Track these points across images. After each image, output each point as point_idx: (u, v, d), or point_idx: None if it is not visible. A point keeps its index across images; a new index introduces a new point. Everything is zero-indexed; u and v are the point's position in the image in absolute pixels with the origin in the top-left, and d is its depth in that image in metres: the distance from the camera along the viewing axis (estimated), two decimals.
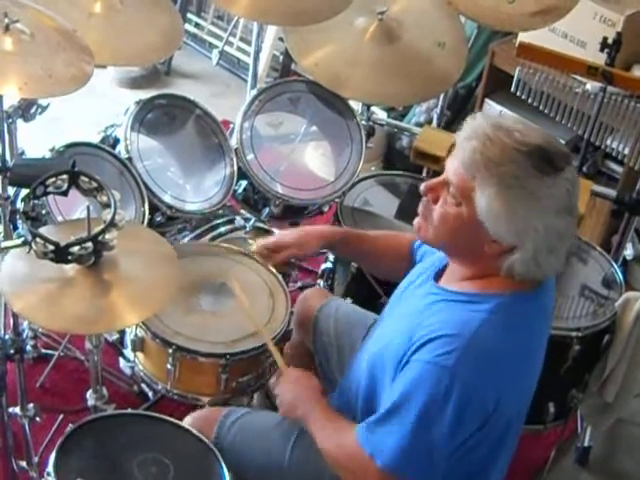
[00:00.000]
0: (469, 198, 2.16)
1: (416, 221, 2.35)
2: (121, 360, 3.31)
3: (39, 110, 3.03)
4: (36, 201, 2.45)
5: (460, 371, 2.14)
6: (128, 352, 3.03)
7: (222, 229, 3.35)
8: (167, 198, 3.26)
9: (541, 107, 4.04)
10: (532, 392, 2.43)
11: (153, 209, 3.22)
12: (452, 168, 2.20)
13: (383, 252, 2.91)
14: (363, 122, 3.68)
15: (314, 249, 2.94)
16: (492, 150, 2.12)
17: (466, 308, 2.23)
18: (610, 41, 3.60)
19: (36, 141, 3.16)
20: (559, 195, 2.15)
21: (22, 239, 2.38)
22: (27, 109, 2.98)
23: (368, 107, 3.80)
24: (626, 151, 4.03)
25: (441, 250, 2.41)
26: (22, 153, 3.14)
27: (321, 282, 3.53)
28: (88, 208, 2.38)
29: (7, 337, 2.80)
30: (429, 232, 2.31)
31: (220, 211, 3.41)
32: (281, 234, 3.09)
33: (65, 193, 2.46)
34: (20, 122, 3.01)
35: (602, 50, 3.62)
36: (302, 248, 2.92)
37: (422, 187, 2.30)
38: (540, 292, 2.31)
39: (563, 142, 4.23)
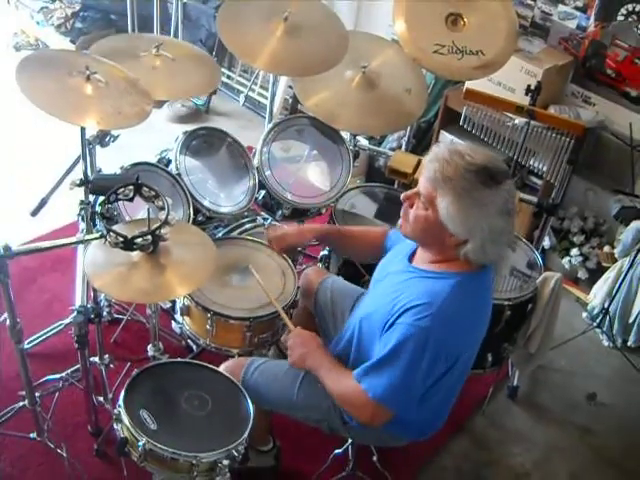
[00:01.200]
0: (433, 204, 2.23)
1: (399, 221, 2.41)
2: (173, 322, 3.31)
3: (112, 139, 3.03)
4: (110, 205, 2.45)
5: (434, 330, 2.22)
6: (178, 316, 3.03)
7: (247, 226, 3.35)
8: (206, 203, 3.24)
9: (482, 136, 4.03)
10: (479, 343, 2.46)
11: (196, 211, 3.21)
12: (421, 182, 2.28)
13: (359, 243, 2.95)
14: (351, 147, 3.66)
15: (307, 240, 3.06)
16: (448, 170, 2.19)
17: (435, 282, 2.30)
18: (532, 87, 3.60)
19: (110, 162, 3.14)
20: (499, 202, 2.20)
21: (100, 233, 2.38)
22: (103, 138, 2.98)
23: (354, 136, 3.78)
24: (544, 168, 4.02)
25: (416, 241, 2.45)
26: (99, 170, 3.13)
27: (320, 265, 3.53)
28: (148, 210, 2.39)
29: (89, 305, 2.78)
30: (407, 229, 2.38)
31: (246, 213, 3.40)
32: (284, 227, 3.15)
33: (131, 199, 2.46)
34: (98, 147, 3.01)
35: (526, 94, 3.62)
36: (299, 237, 3.02)
37: (402, 196, 2.37)
38: (486, 272, 2.37)
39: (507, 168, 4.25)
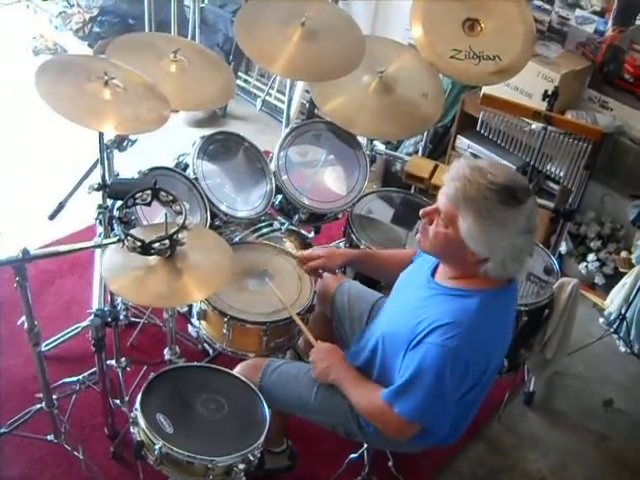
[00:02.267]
0: (454, 223, 2.22)
1: (417, 236, 2.41)
2: (189, 326, 3.32)
3: (130, 143, 3.05)
4: (127, 210, 2.45)
5: (461, 350, 2.22)
6: (195, 320, 3.03)
7: (264, 230, 3.34)
8: (223, 207, 3.25)
9: (499, 141, 4.02)
10: (504, 356, 2.51)
11: (213, 215, 3.21)
12: (442, 200, 2.26)
13: (390, 266, 2.90)
14: (367, 152, 3.66)
15: (338, 265, 3.02)
16: (470, 189, 2.17)
17: (460, 301, 2.29)
18: (550, 93, 3.58)
19: (127, 166, 3.16)
20: (521, 221, 2.19)
21: (117, 237, 2.39)
22: (121, 143, 3.00)
23: (371, 141, 3.79)
24: (561, 174, 4.01)
25: (435, 257, 2.44)
26: (117, 175, 3.15)
27: (337, 270, 3.53)
28: (166, 215, 2.40)
29: (106, 309, 2.80)
30: (426, 245, 2.36)
31: (262, 217, 3.40)
32: (315, 248, 3.14)
33: (149, 204, 2.47)
34: (116, 152, 3.02)
35: (544, 99, 3.60)
36: (329, 261, 2.98)
37: (421, 212, 2.35)
38: (510, 287, 2.37)
39: (514, 168, 4.24)
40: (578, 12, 4.28)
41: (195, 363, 2.79)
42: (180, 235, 2.34)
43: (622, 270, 4.25)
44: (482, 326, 2.25)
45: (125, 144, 3.03)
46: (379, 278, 3.14)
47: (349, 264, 3.09)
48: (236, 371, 2.74)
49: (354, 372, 2.55)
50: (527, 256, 2.30)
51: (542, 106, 3.59)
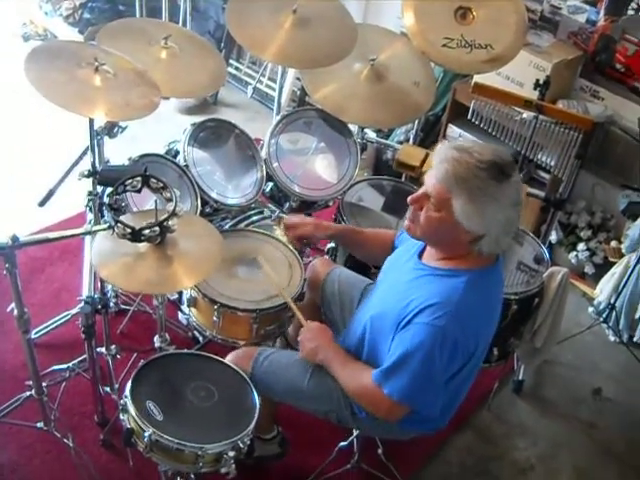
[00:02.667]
0: (448, 206, 2.22)
1: (405, 224, 2.41)
2: (179, 313, 3.32)
3: (120, 130, 3.04)
4: (118, 196, 2.45)
5: (450, 329, 2.23)
6: (185, 307, 3.03)
7: (254, 218, 3.34)
8: (214, 195, 3.25)
9: (490, 130, 4.02)
10: (492, 336, 2.49)
11: (204, 203, 3.21)
12: (431, 184, 2.26)
13: (371, 244, 2.93)
14: (358, 140, 3.66)
15: (322, 236, 3.02)
16: (460, 170, 2.18)
17: (448, 280, 2.30)
18: (541, 82, 3.59)
19: (118, 153, 3.15)
20: (511, 194, 2.21)
21: (107, 224, 2.38)
22: (111, 129, 2.99)
23: (362, 129, 3.78)
24: (552, 163, 4.02)
25: (425, 241, 2.45)
26: (108, 161, 3.14)
27: (327, 257, 3.53)
28: (156, 202, 2.39)
29: (96, 296, 2.79)
30: (417, 231, 2.36)
31: (253, 205, 3.40)
32: (302, 217, 3.12)
33: (139, 191, 2.47)
34: (106, 139, 3.01)
35: (535, 88, 3.61)
36: (315, 230, 2.98)
37: (409, 199, 2.34)
38: (496, 266, 2.39)
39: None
40: (570, 1, 4.27)
41: (185, 350, 2.79)
42: (170, 222, 2.34)
43: (612, 260, 4.26)
44: (470, 305, 2.26)
45: (115, 131, 3.02)
46: (360, 255, 3.12)
47: (333, 237, 3.09)
48: (227, 360, 2.74)
49: (343, 353, 2.55)
50: (515, 228, 2.32)
51: (533, 95, 3.61)
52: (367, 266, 3.21)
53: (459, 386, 2.46)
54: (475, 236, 2.25)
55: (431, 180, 2.25)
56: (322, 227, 3.01)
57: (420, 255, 2.48)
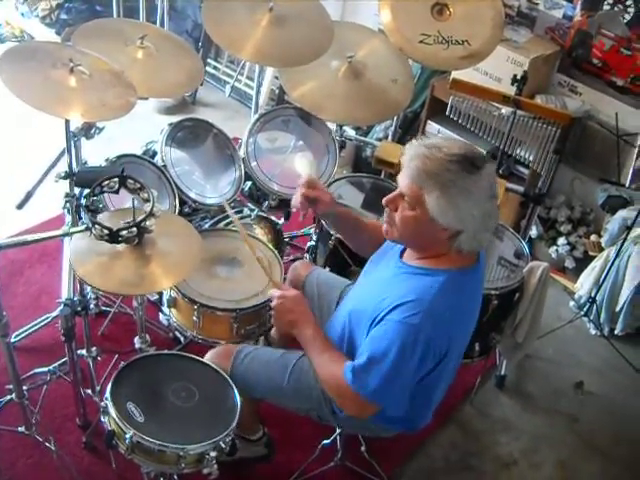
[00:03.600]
0: (421, 202, 2.20)
1: (384, 228, 2.38)
2: (160, 314, 3.31)
3: (97, 131, 3.02)
4: (95, 198, 2.44)
5: (423, 328, 2.20)
6: (165, 308, 3.03)
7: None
8: (192, 195, 3.25)
9: (468, 126, 4.04)
10: (469, 337, 2.48)
11: (182, 203, 3.22)
12: (403, 184, 2.25)
13: (368, 235, 2.84)
14: (337, 138, 3.66)
15: (328, 207, 2.76)
16: (430, 165, 2.17)
17: (425, 279, 2.28)
18: (519, 77, 3.60)
19: (96, 154, 3.14)
20: (485, 186, 2.20)
21: (85, 226, 2.37)
22: (88, 130, 2.97)
23: (341, 127, 3.79)
24: (531, 158, 4.04)
25: (404, 244, 2.43)
26: (85, 163, 3.13)
27: (307, 255, 3.54)
28: (133, 202, 2.38)
29: (75, 298, 2.78)
30: (395, 233, 2.34)
31: (232, 204, 3.40)
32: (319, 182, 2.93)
33: (116, 192, 2.46)
34: (83, 140, 3.00)
35: (513, 84, 3.63)
36: (324, 197, 2.74)
37: (383, 201, 2.33)
38: (476, 267, 2.37)
39: (484, 152, 4.26)
40: None
41: (165, 351, 2.78)
42: (148, 222, 2.33)
43: (592, 254, 4.28)
44: (445, 305, 2.24)
45: (93, 132, 3.00)
46: (352, 243, 3.02)
47: (333, 213, 2.86)
48: (207, 358, 2.74)
49: (321, 335, 2.48)
50: (493, 223, 2.29)
51: (511, 91, 3.62)
52: (346, 267, 3.22)
53: (438, 385, 2.46)
54: (452, 232, 2.23)
55: (404, 180, 2.24)
56: (333, 203, 2.82)
57: (402, 254, 2.47)
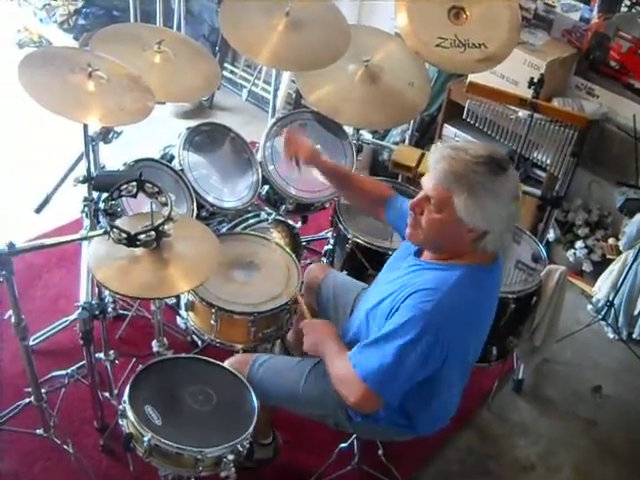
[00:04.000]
0: (449, 204, 2.20)
1: (407, 231, 2.38)
2: (177, 318, 3.32)
3: (115, 135, 3.03)
4: (113, 202, 2.44)
5: (436, 316, 2.20)
6: (182, 312, 3.03)
7: (251, 221, 3.35)
8: (210, 199, 3.25)
9: (485, 129, 4.02)
10: (484, 340, 2.46)
11: (200, 207, 3.22)
12: (429, 186, 2.25)
13: (362, 192, 2.88)
14: (354, 141, 3.67)
15: (309, 159, 2.89)
16: (458, 167, 2.18)
17: (443, 272, 2.29)
18: (536, 80, 3.59)
19: (114, 158, 3.16)
20: (511, 187, 2.21)
21: (103, 230, 2.38)
22: (106, 135, 2.99)
23: (357, 130, 3.79)
24: (548, 161, 4.02)
25: (428, 247, 2.41)
26: (103, 167, 3.14)
27: (324, 259, 3.54)
28: (151, 206, 2.39)
29: (93, 302, 2.79)
30: (420, 237, 2.35)
31: (249, 208, 3.41)
32: (306, 140, 3.00)
33: (134, 196, 2.46)
34: (101, 144, 3.01)
35: (530, 87, 3.61)
36: (311, 159, 2.88)
37: (409, 205, 2.33)
38: (494, 266, 2.37)
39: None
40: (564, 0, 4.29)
41: (183, 355, 2.79)
42: (166, 226, 2.34)
43: (610, 257, 4.26)
44: (461, 298, 2.25)
45: (111, 136, 3.02)
46: (349, 200, 3.12)
47: (325, 171, 2.93)
48: (225, 364, 2.74)
49: (341, 344, 2.51)
50: (515, 223, 2.32)
51: (528, 94, 3.60)
52: (363, 270, 3.22)
53: (452, 388, 2.46)
54: (479, 233, 2.23)
55: (429, 182, 2.24)
56: (317, 159, 2.90)
57: (417, 254, 2.47)
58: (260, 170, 3.44)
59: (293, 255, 3.15)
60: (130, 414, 2.42)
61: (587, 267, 4.38)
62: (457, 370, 2.41)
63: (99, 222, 2.91)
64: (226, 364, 2.75)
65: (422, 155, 3.54)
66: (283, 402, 2.79)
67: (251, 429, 2.47)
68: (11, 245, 2.34)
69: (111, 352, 3.17)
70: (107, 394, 3.20)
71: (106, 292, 3.24)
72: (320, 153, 2.96)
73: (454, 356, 2.30)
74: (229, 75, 5.86)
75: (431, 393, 2.41)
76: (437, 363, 2.28)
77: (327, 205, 3.61)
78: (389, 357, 2.24)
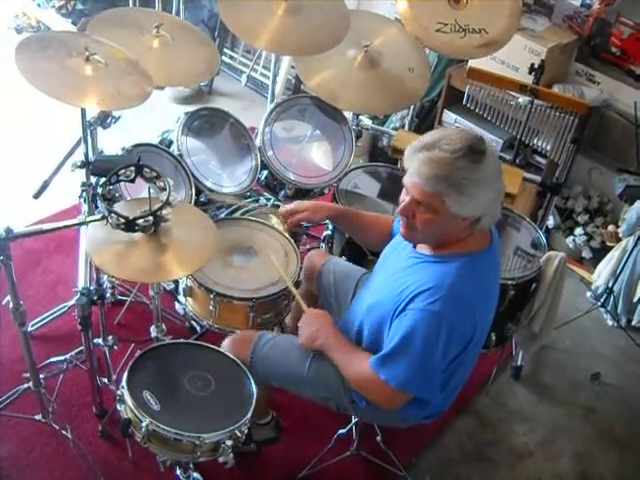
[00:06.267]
0: (440, 205, 2.20)
1: (403, 233, 2.38)
2: (176, 303, 3.31)
3: (113, 120, 3.01)
4: (111, 187, 2.43)
5: (444, 314, 2.21)
6: (181, 297, 3.03)
7: (250, 206, 3.34)
8: (209, 184, 3.24)
9: (485, 115, 4.02)
10: (491, 319, 2.48)
11: (198, 192, 3.21)
12: (416, 192, 2.23)
13: (370, 228, 2.89)
14: (353, 127, 3.65)
15: (322, 219, 2.98)
16: (439, 169, 2.16)
17: (441, 266, 2.29)
18: (536, 66, 3.58)
19: (112, 143, 3.14)
20: (493, 167, 2.21)
21: (101, 215, 2.37)
22: (104, 119, 2.96)
23: (357, 116, 3.77)
24: (548, 147, 4.01)
25: (427, 244, 2.40)
26: (101, 152, 3.13)
27: (323, 245, 3.54)
28: (149, 191, 2.38)
29: (92, 288, 2.79)
30: (418, 237, 2.37)
31: (248, 193, 3.40)
32: (299, 202, 3.02)
33: (133, 180, 2.46)
34: (100, 129, 3.00)
35: (530, 73, 3.61)
36: (314, 215, 2.93)
37: (399, 211, 2.32)
38: (491, 250, 2.38)
39: (501, 142, 4.26)
40: None
41: (181, 340, 2.79)
42: (164, 212, 2.33)
43: (609, 244, 4.26)
44: (464, 288, 2.25)
45: (109, 121, 3.00)
46: (358, 239, 3.10)
47: (332, 219, 3.02)
48: (225, 344, 2.75)
49: (344, 339, 2.54)
50: (504, 192, 2.32)
51: (529, 80, 3.60)
52: (363, 256, 3.21)
53: (462, 372, 2.46)
54: (473, 220, 2.25)
55: (415, 188, 2.22)
56: (320, 210, 2.95)
57: (415, 244, 2.47)
58: (259, 155, 3.44)
59: (292, 240, 3.15)
60: (128, 399, 2.42)
61: (587, 254, 4.38)
62: (472, 356, 2.44)
63: (97, 207, 2.90)
64: (226, 342, 2.76)
65: None
66: (287, 383, 2.78)
67: (249, 414, 2.47)
68: (9, 230, 2.33)
69: (109, 338, 3.17)
70: (105, 380, 3.21)
71: (105, 277, 3.24)
72: (320, 205, 3.01)
73: (470, 343, 2.32)
74: (228, 60, 5.85)
75: (448, 380, 2.42)
76: (457, 352, 2.31)
77: (326, 191, 3.61)
78: (416, 361, 2.27)
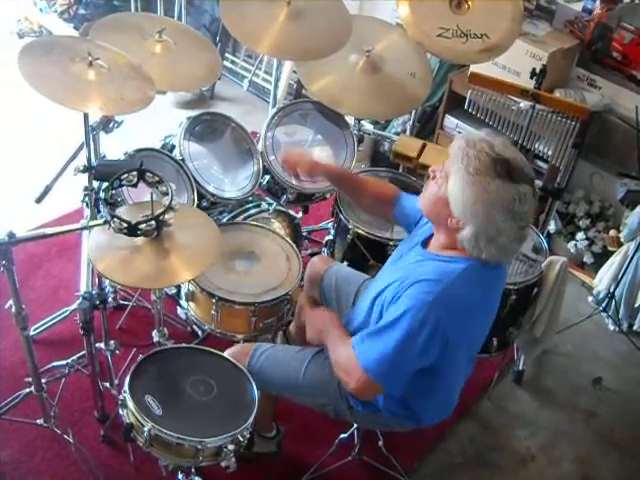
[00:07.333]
0: (447, 180, 2.22)
1: (422, 192, 2.42)
2: (178, 308, 3.31)
3: (116, 125, 3.02)
4: (113, 191, 2.43)
5: (435, 307, 2.19)
6: (183, 302, 3.03)
7: (252, 211, 3.36)
8: (211, 188, 3.25)
9: (487, 120, 4.01)
10: (486, 334, 2.47)
11: (200, 196, 3.21)
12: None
13: (368, 194, 2.88)
14: (355, 132, 3.66)
15: (321, 174, 2.95)
16: (470, 150, 2.17)
17: (447, 265, 2.28)
18: (537, 71, 3.58)
19: (114, 148, 3.15)
20: (506, 198, 2.14)
21: (104, 219, 2.37)
22: (107, 124, 2.97)
23: (359, 121, 3.77)
24: (549, 152, 4.00)
25: (426, 216, 2.45)
26: (104, 156, 3.13)
27: (325, 249, 3.54)
28: (152, 196, 2.38)
29: (94, 292, 2.79)
30: (422, 201, 2.39)
31: (250, 198, 3.41)
32: (303, 153, 3.09)
33: (135, 185, 2.46)
34: (102, 134, 3.00)
35: (532, 78, 3.60)
36: (312, 168, 2.91)
37: (429, 170, 2.36)
38: (499, 267, 2.37)
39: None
40: None
41: (183, 345, 2.79)
42: (166, 216, 2.33)
43: (611, 249, 4.26)
44: (463, 291, 2.24)
45: (111, 126, 3.01)
46: (356, 203, 3.11)
47: (330, 177, 2.99)
48: (225, 354, 2.74)
49: (342, 328, 2.51)
50: (505, 242, 2.21)
51: (530, 84, 3.59)
52: (365, 261, 3.22)
53: (454, 379, 2.47)
54: (458, 224, 2.22)
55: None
56: (319, 167, 2.94)
57: (424, 244, 2.47)
58: (261, 160, 3.44)
59: (294, 245, 3.15)
60: (130, 404, 2.42)
61: (588, 259, 4.38)
62: (457, 363, 2.41)
63: (100, 212, 2.90)
64: (226, 354, 2.75)
65: (423, 146, 3.53)
66: (284, 391, 2.79)
67: (251, 419, 2.47)
68: (11, 234, 2.33)
69: (111, 342, 3.16)
70: (107, 384, 3.20)
71: (106, 282, 3.24)
72: (320, 163, 2.99)
73: (453, 348, 2.29)
74: (230, 65, 5.85)
75: (432, 384, 2.42)
76: (436, 354, 2.27)
77: (328, 195, 3.61)
78: (390, 347, 2.24)
